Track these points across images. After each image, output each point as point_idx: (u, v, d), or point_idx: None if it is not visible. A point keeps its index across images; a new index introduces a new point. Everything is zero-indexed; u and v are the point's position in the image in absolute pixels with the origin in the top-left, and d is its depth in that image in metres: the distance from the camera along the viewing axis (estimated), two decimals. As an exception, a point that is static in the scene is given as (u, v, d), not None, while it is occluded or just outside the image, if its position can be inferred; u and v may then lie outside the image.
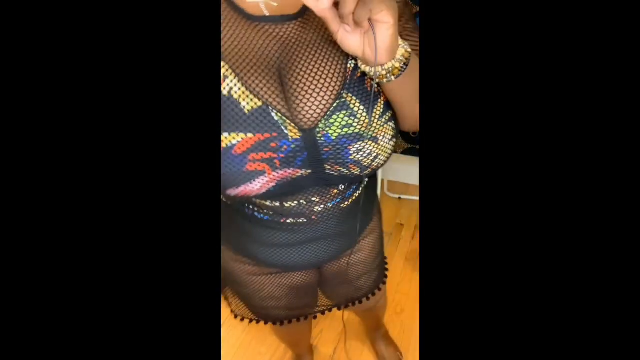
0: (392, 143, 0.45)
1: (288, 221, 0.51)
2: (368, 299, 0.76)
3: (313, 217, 0.52)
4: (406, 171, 2.00)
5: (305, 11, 0.43)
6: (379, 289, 0.79)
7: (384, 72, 0.38)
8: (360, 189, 0.54)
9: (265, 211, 0.51)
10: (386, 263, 0.82)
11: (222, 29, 0.42)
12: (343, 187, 0.51)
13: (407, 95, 0.42)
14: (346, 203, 0.53)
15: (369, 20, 0.34)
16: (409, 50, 0.39)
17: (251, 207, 0.51)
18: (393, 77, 0.39)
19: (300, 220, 0.51)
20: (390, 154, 0.46)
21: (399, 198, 1.93)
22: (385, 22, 0.34)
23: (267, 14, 0.43)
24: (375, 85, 0.42)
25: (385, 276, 0.83)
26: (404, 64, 0.38)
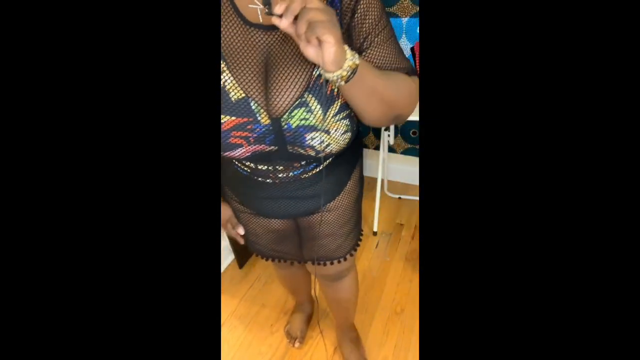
0: (344, 136, 0.59)
1: (259, 179, 0.68)
2: (332, 263, 0.87)
3: (277, 182, 0.68)
4: (406, 171, 2.00)
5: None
6: (345, 259, 0.88)
7: (335, 78, 0.48)
8: (321, 166, 0.68)
9: (245, 169, 0.69)
10: (360, 240, 0.91)
11: (224, 29, 0.55)
12: (304, 162, 0.64)
13: (358, 97, 0.52)
14: (306, 175, 0.67)
15: (317, 38, 0.43)
16: (357, 62, 0.48)
17: (238, 164, 0.69)
18: (343, 82, 0.49)
19: (268, 181, 0.68)
20: (345, 144, 0.60)
21: (399, 198, 1.93)
22: (328, 42, 0.43)
23: (261, 22, 0.54)
24: (329, 88, 0.54)
25: (354, 250, 0.89)
26: (352, 72, 0.48)
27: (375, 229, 1.74)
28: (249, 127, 0.55)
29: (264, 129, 0.56)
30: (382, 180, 1.90)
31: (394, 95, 0.55)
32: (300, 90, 0.54)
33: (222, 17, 0.55)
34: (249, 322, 1.40)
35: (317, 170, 0.68)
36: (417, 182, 2.02)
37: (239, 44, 0.55)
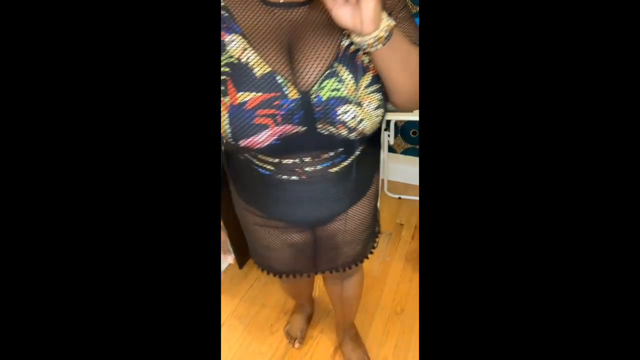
0: (377, 112, 0.54)
1: (284, 177, 0.62)
2: (350, 267, 0.85)
3: (304, 177, 0.62)
4: (406, 171, 2.00)
5: (310, 1, 0.55)
6: (360, 262, 0.86)
7: (371, 41, 0.46)
8: (350, 159, 0.63)
9: (267, 167, 0.62)
10: (374, 247, 0.89)
11: (245, 12, 0.54)
12: (333, 153, 0.60)
13: (393, 64, 0.50)
14: (335, 169, 0.62)
15: None
16: (392, 23, 0.47)
17: (257, 162, 0.62)
18: (380, 45, 0.47)
19: (294, 178, 0.62)
20: (378, 123, 0.56)
21: (399, 198, 1.93)
22: None
23: (282, 1, 0.54)
24: (358, 59, 0.52)
25: (371, 252, 0.88)
26: (389, 33, 0.46)
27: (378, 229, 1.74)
28: (276, 103, 0.52)
29: (292, 105, 0.52)
30: (382, 180, 1.90)
31: None
32: (329, 60, 0.52)
33: (243, 2, 0.54)
34: (249, 322, 1.40)
35: (346, 163, 0.63)
36: (417, 182, 2.02)
37: (261, 25, 0.53)
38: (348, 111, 0.52)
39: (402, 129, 1.93)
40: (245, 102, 0.51)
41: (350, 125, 0.54)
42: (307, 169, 0.61)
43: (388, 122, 1.78)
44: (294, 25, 0.54)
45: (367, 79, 0.53)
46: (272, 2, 0.54)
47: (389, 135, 1.83)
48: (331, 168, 0.62)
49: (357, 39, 0.47)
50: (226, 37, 0.53)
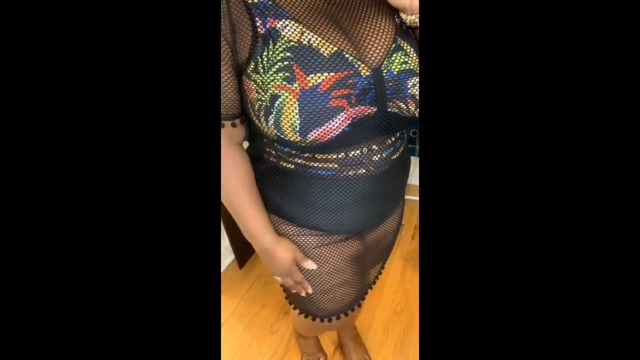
0: None
1: (350, 173, 0.57)
2: (377, 278, 0.82)
3: (371, 168, 0.58)
4: (406, 171, 2.00)
5: None
6: (383, 267, 0.84)
7: None
8: (403, 144, 0.63)
9: (329, 165, 0.57)
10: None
11: None
12: (394, 138, 0.59)
13: None
14: (396, 155, 0.61)
15: None
16: None
17: (316, 164, 0.57)
18: None
19: (360, 172, 0.58)
20: None
21: (399, 198, 1.93)
22: None
23: None
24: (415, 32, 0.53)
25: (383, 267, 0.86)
26: None
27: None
28: (350, 81, 0.49)
29: (365, 82, 0.50)
30: (382, 180, 1.90)
31: None
32: (392, 34, 0.53)
33: None
34: (249, 322, 1.40)
35: (402, 149, 0.63)
36: (417, 182, 2.02)
37: (310, 7, 0.51)
38: (416, 84, 0.53)
39: (402, 129, 1.92)
40: (318, 85, 0.48)
41: (418, 99, 0.53)
42: (374, 157, 0.57)
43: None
44: (342, 6, 0.53)
45: None
46: None
47: (389, 135, 1.83)
48: (393, 154, 0.60)
49: (410, 17, 0.48)
50: (277, 23, 0.49)
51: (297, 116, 0.47)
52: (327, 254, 0.67)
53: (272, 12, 0.49)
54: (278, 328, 1.38)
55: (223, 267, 1.62)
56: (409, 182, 1.98)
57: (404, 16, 0.49)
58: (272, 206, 0.65)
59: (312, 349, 1.22)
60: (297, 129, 0.48)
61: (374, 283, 0.83)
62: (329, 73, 0.48)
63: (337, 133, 0.50)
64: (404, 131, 0.61)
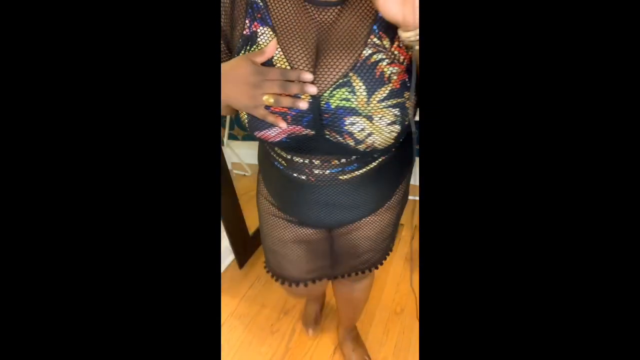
0: (390, 127, 0.51)
1: (294, 175, 0.62)
2: (369, 271, 0.84)
3: (312, 179, 0.61)
4: (406, 171, 2.00)
5: (344, 0, 0.52)
6: (377, 267, 0.84)
7: (415, 37, 0.43)
8: (364, 169, 0.61)
9: (281, 161, 0.63)
10: (388, 254, 0.86)
11: (280, 3, 0.53)
12: (344, 160, 0.59)
13: None
14: (345, 177, 0.61)
15: None
16: None
17: (274, 154, 0.64)
18: None
19: (303, 177, 0.62)
20: (392, 139, 0.53)
21: (399, 198, 1.93)
22: None
23: None
24: (378, 72, 0.50)
25: (388, 254, 0.85)
26: None
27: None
28: None
29: None
30: (382, 180, 1.90)
31: None
32: (346, 68, 0.51)
33: None
34: (249, 322, 1.40)
35: (358, 173, 0.62)
36: (417, 182, 2.02)
37: (292, 21, 0.53)
38: (356, 123, 0.51)
39: (402, 129, 1.92)
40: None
41: (357, 137, 0.52)
42: (315, 171, 0.60)
43: (388, 122, 1.77)
44: (323, 26, 0.53)
45: (383, 91, 0.50)
46: None
47: (389, 135, 1.83)
48: (341, 175, 0.60)
49: (405, 34, 0.44)
50: (259, 29, 0.53)
51: (246, 116, 0.54)
52: (278, 224, 0.75)
53: (259, 16, 0.53)
54: (278, 328, 1.38)
55: (223, 267, 1.62)
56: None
57: (400, 32, 0.45)
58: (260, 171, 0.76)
59: (311, 311, 1.34)
60: (247, 125, 0.55)
61: (347, 276, 0.85)
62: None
63: (276, 140, 0.55)
64: (358, 157, 0.58)
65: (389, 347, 1.28)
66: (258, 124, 0.53)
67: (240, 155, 2.11)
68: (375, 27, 0.51)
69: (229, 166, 1.46)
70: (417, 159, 0.73)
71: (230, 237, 1.51)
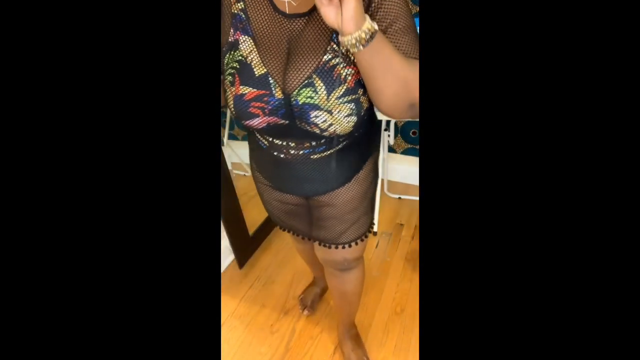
0: (347, 119, 0.64)
1: (274, 153, 0.76)
2: (337, 247, 0.92)
3: (289, 157, 0.75)
4: (406, 171, 2.00)
5: (310, 12, 0.63)
6: (350, 246, 0.91)
7: (353, 41, 0.51)
8: (330, 150, 0.74)
9: (264, 142, 0.77)
10: (370, 231, 0.93)
11: (258, 16, 0.65)
12: (314, 143, 0.72)
13: (375, 67, 0.56)
14: (315, 156, 0.74)
15: None
16: (375, 27, 0.52)
17: (258, 136, 0.78)
18: (361, 47, 0.52)
19: (282, 156, 0.75)
20: (350, 127, 0.65)
21: (399, 198, 1.93)
22: None
23: (287, 11, 0.64)
24: (336, 72, 0.61)
25: (361, 240, 0.91)
26: (370, 36, 0.51)
27: (375, 229, 1.74)
28: (265, 99, 0.64)
29: (277, 102, 0.64)
30: (382, 180, 1.90)
31: (411, 76, 0.56)
32: (309, 71, 0.62)
33: (258, 3, 0.65)
34: (249, 322, 1.40)
35: (327, 153, 0.74)
36: (417, 182, 2.02)
37: (268, 31, 0.65)
38: (319, 116, 0.63)
39: (402, 129, 1.93)
40: (244, 94, 0.64)
41: (321, 127, 0.64)
42: (291, 151, 0.74)
43: (388, 122, 1.78)
44: (293, 34, 0.64)
45: (340, 90, 0.61)
46: (279, 9, 0.64)
47: (389, 135, 1.83)
48: (312, 155, 0.74)
49: (342, 39, 0.52)
50: (240, 37, 0.65)
51: (233, 108, 0.66)
52: (266, 191, 0.92)
53: (241, 26, 0.65)
54: (278, 328, 1.38)
55: (223, 267, 1.62)
56: (409, 182, 1.99)
57: (340, 37, 0.52)
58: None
59: (310, 294, 1.44)
60: (234, 115, 0.67)
61: (338, 247, 0.92)
62: (253, 88, 0.64)
63: (259, 128, 0.68)
64: (325, 140, 0.71)
65: (389, 347, 1.28)
66: (243, 115, 0.66)
67: (240, 155, 2.11)
68: (334, 35, 0.61)
69: (229, 166, 1.45)
70: (417, 159, 0.83)
71: (230, 237, 1.51)
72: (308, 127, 0.65)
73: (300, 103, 0.62)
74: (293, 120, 0.65)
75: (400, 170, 2.02)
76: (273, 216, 1.00)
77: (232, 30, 0.66)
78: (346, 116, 0.63)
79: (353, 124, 0.64)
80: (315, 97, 0.62)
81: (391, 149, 1.99)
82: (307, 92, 0.62)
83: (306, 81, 0.62)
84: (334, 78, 0.61)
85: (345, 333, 1.24)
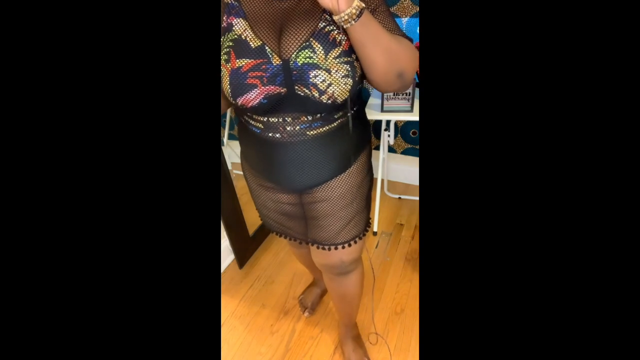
0: (344, 80, 0.67)
1: (269, 135, 0.76)
2: (329, 249, 0.92)
3: (285, 136, 0.75)
4: (406, 171, 2.00)
5: None
6: (344, 247, 0.91)
7: (345, 17, 0.58)
8: (327, 127, 0.76)
9: (258, 125, 0.77)
10: (366, 232, 0.93)
11: (251, 1, 0.70)
12: (311, 117, 0.73)
13: (365, 40, 0.62)
14: (312, 132, 0.75)
15: None
16: (362, 5, 0.59)
17: (251, 121, 0.77)
18: (353, 22, 0.59)
19: (278, 136, 0.75)
20: (347, 90, 0.68)
21: (399, 198, 1.93)
22: None
23: None
24: (331, 36, 0.66)
25: (359, 238, 0.90)
26: (359, 11, 0.59)
27: (375, 229, 1.74)
28: (263, 67, 0.67)
29: (275, 69, 0.67)
30: (382, 180, 1.90)
31: (396, 47, 0.64)
32: (306, 36, 0.67)
33: None
34: (249, 322, 1.40)
35: (322, 130, 0.76)
36: (417, 182, 2.02)
37: (261, 11, 0.70)
38: (318, 75, 0.66)
39: (402, 129, 1.93)
40: (241, 66, 0.67)
41: (320, 88, 0.67)
42: (288, 128, 0.74)
43: (388, 122, 1.78)
44: (285, 12, 0.69)
45: (336, 51, 0.66)
46: None
47: (389, 136, 1.83)
48: (308, 131, 0.75)
49: (336, 17, 0.59)
50: (234, 20, 0.69)
51: (229, 85, 0.68)
52: (259, 192, 0.92)
53: (234, 11, 0.70)
54: (278, 328, 1.38)
55: (223, 267, 1.62)
56: (409, 182, 1.99)
57: (334, 16, 0.59)
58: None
59: (310, 295, 1.44)
60: (230, 94, 0.69)
61: (322, 248, 0.93)
62: (250, 59, 0.67)
63: (256, 102, 0.68)
64: (322, 114, 0.73)
65: (389, 347, 1.28)
66: (239, 90, 0.67)
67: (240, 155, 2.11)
68: (326, 11, 0.67)
69: (229, 166, 1.45)
70: (417, 159, 0.84)
71: (230, 237, 1.51)
72: (307, 91, 0.67)
73: (299, 64, 0.66)
74: (292, 87, 0.68)
75: (400, 170, 2.02)
76: (268, 220, 0.99)
77: (225, 17, 0.70)
78: (343, 76, 0.66)
79: (350, 87, 0.68)
80: (314, 57, 0.66)
81: (391, 149, 1.99)
82: (305, 53, 0.66)
83: (304, 44, 0.66)
84: (330, 40, 0.66)
85: (346, 334, 1.25)
